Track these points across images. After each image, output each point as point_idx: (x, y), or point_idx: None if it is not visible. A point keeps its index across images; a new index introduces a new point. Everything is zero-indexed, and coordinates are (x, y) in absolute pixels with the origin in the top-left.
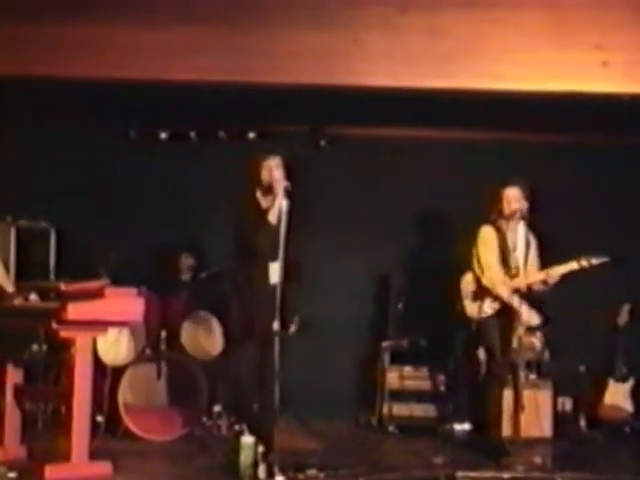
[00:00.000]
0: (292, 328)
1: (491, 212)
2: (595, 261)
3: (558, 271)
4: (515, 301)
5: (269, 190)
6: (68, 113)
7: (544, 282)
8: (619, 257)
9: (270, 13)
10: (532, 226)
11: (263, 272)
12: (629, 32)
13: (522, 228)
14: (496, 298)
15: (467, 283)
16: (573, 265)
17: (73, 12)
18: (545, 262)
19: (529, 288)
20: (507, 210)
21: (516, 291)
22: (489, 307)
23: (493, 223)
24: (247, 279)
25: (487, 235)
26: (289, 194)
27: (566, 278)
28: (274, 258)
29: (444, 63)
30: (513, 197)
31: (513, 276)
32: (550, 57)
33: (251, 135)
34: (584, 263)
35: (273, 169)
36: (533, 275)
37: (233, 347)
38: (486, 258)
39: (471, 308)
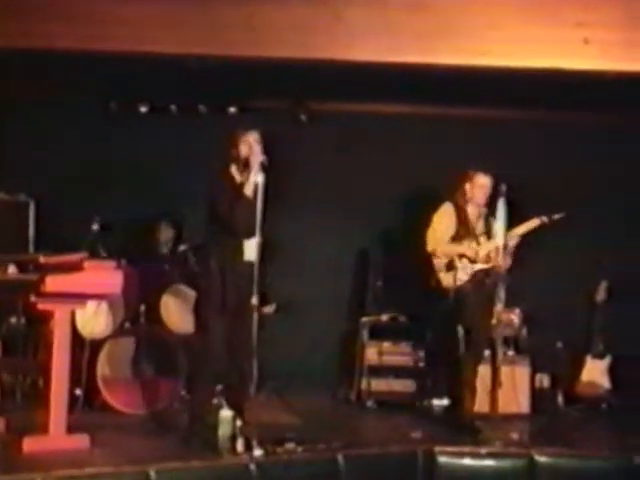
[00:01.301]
0: (268, 309)
1: (456, 191)
2: (555, 216)
3: (522, 228)
4: (462, 247)
5: (245, 165)
6: (48, 84)
7: (505, 247)
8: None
9: None
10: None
11: (239, 248)
12: (611, 10)
13: (501, 206)
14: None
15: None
16: (535, 222)
17: None
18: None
19: (494, 268)
20: (469, 194)
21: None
22: (463, 274)
23: (455, 201)
24: (222, 254)
25: (443, 210)
26: (265, 169)
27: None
28: (251, 234)
29: (425, 38)
30: (483, 184)
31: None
32: (531, 34)
33: (231, 109)
34: (545, 219)
35: (252, 144)
36: (493, 242)
37: (207, 322)
38: (433, 227)
39: (446, 279)
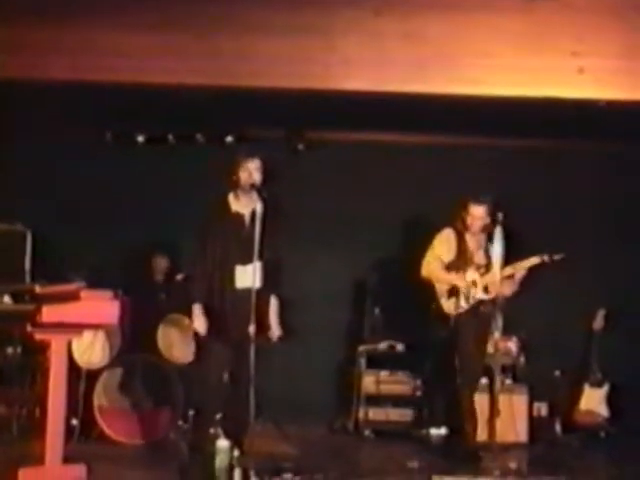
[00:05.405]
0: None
1: (456, 219)
2: (556, 257)
3: (523, 265)
4: (454, 277)
5: (243, 193)
6: (44, 115)
7: (510, 277)
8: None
9: (247, 18)
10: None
11: (234, 276)
12: (606, 39)
13: (498, 235)
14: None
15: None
16: (535, 260)
17: (51, 15)
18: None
19: (497, 295)
20: (469, 223)
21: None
22: (465, 302)
23: (455, 227)
24: (218, 283)
25: (443, 235)
26: (264, 198)
27: (531, 274)
28: (247, 262)
29: (420, 67)
30: (477, 215)
31: (481, 275)
32: (526, 63)
33: (229, 139)
34: (545, 258)
35: (252, 171)
36: (500, 272)
37: (205, 351)
38: (430, 252)
39: (447, 305)
